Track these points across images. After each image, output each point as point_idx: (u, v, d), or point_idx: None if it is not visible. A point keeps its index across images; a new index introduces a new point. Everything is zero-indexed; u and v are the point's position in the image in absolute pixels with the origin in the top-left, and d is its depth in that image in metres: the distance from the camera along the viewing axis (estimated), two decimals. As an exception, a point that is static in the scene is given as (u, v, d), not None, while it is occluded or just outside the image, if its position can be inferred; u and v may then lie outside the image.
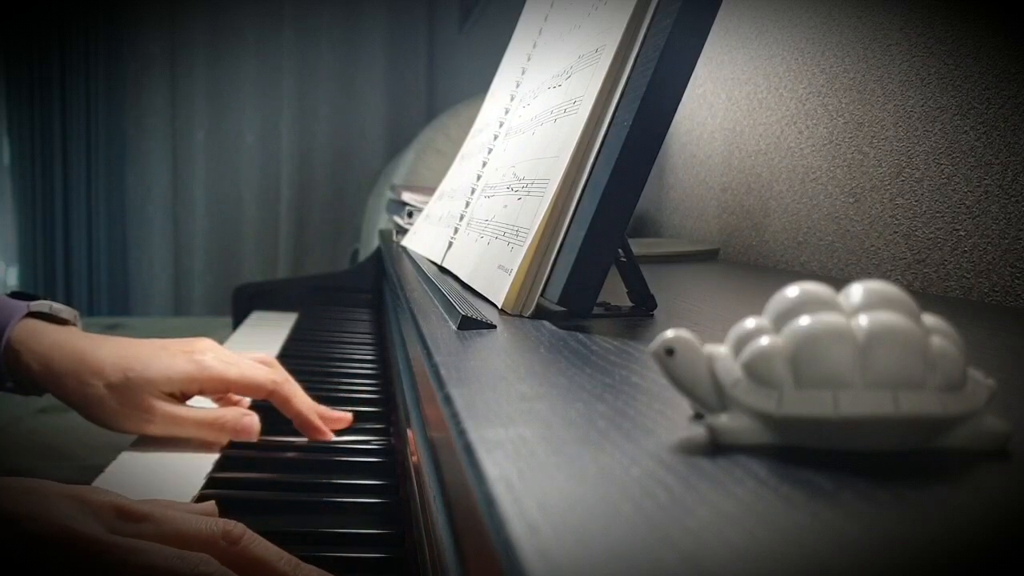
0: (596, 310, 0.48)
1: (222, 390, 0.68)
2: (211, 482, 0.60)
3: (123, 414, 0.64)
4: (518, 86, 0.78)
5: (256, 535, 0.44)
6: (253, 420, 0.66)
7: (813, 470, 0.22)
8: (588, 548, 0.17)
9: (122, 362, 0.64)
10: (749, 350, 0.24)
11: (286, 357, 0.99)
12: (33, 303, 0.67)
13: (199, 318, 3.08)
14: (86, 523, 0.39)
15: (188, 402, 0.68)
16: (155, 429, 0.64)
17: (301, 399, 0.69)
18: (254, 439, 0.65)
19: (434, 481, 0.35)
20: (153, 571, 0.39)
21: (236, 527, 0.44)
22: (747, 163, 1.12)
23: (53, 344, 0.65)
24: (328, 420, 0.70)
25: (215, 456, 0.64)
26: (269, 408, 0.69)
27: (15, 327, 0.65)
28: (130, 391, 0.63)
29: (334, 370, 0.94)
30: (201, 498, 0.57)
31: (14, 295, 0.69)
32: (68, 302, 3.19)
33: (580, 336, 0.42)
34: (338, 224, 3.37)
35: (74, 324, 0.70)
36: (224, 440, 0.66)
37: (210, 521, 0.44)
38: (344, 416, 0.72)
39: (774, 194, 1.04)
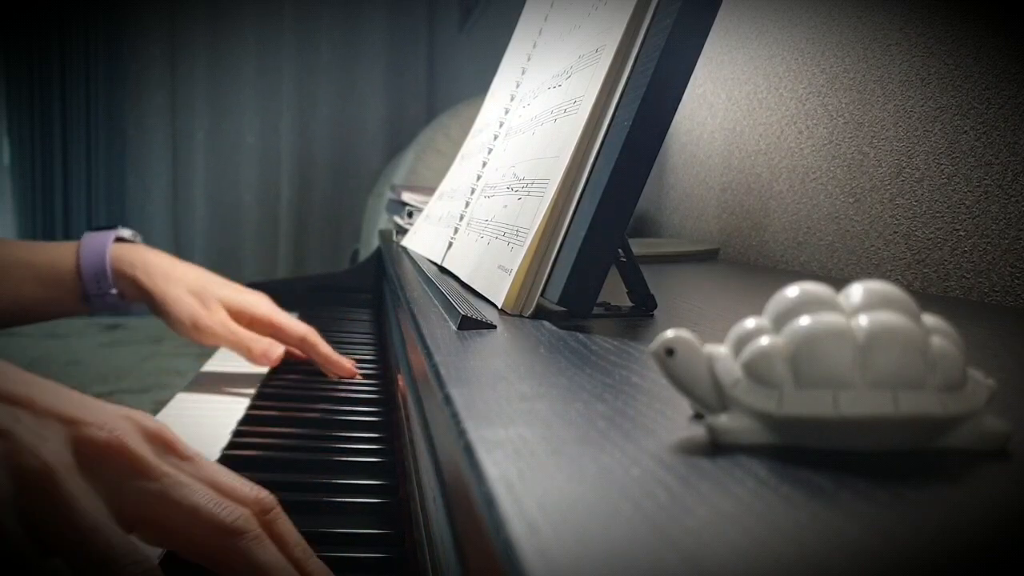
0: (596, 310, 0.48)
1: (267, 329, 0.84)
2: (211, 482, 0.60)
3: (192, 313, 0.80)
4: (518, 86, 0.78)
5: (283, 512, 0.44)
6: (279, 351, 0.83)
7: (813, 470, 0.22)
8: (588, 548, 0.17)
9: (202, 279, 0.84)
10: (749, 350, 0.24)
11: (286, 357, 0.98)
12: (117, 230, 0.86)
13: (199, 318, 3.08)
14: (140, 444, 0.39)
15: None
16: (210, 333, 0.81)
17: (324, 347, 0.86)
18: (273, 363, 0.82)
19: (434, 481, 0.35)
20: (195, 511, 0.38)
21: (269, 497, 0.43)
22: (747, 163, 1.12)
23: (146, 256, 0.84)
24: (344, 367, 0.86)
25: (216, 454, 0.64)
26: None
27: (112, 245, 0.83)
28: (204, 296, 0.82)
29: (334, 370, 0.94)
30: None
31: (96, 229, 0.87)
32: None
33: (580, 336, 0.42)
34: (338, 224, 3.37)
35: (135, 241, 0.88)
36: (252, 358, 0.82)
37: (248, 484, 0.43)
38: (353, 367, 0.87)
39: (774, 194, 1.04)
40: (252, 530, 0.40)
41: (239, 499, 0.42)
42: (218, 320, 0.81)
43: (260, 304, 0.86)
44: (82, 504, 0.35)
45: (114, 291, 0.84)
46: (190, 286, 0.82)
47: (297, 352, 0.87)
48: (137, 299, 0.84)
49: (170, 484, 0.38)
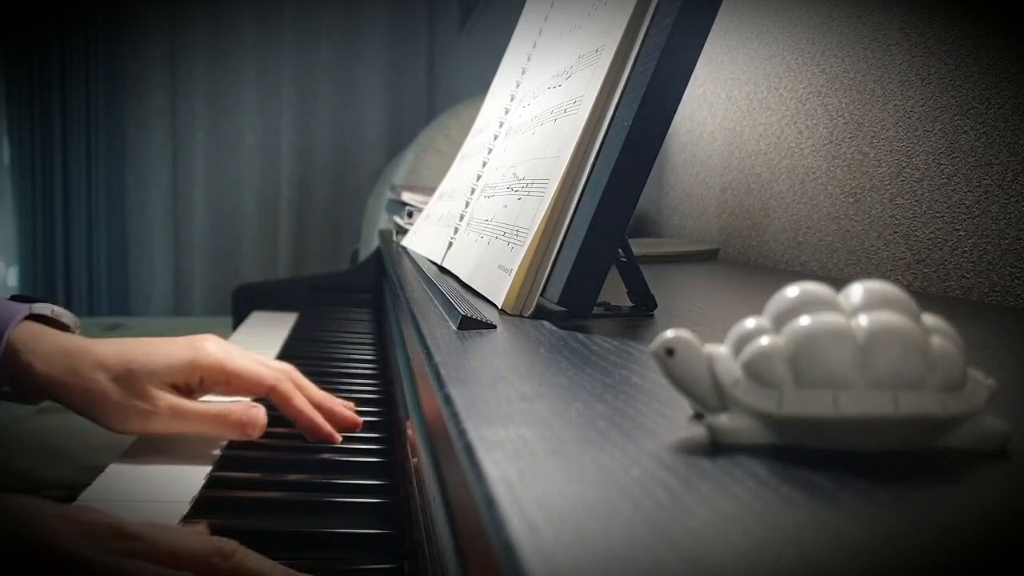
0: (596, 310, 0.48)
1: (222, 381, 0.66)
2: (211, 482, 0.60)
3: (127, 409, 0.62)
4: (518, 86, 0.78)
5: (250, 551, 0.44)
6: (260, 412, 0.64)
7: (813, 470, 0.22)
8: (588, 548, 0.17)
9: (124, 355, 0.63)
10: (749, 350, 0.24)
11: (286, 357, 0.98)
12: (35, 305, 0.66)
13: (199, 318, 3.08)
14: (77, 543, 0.39)
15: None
16: (159, 424, 0.63)
17: (300, 400, 0.66)
18: (259, 433, 0.64)
19: (434, 481, 0.35)
20: None
21: (228, 544, 0.43)
22: (747, 163, 1.12)
23: (54, 345, 0.63)
24: (335, 418, 0.68)
25: (214, 457, 0.64)
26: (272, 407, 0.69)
27: (15, 329, 0.63)
28: (133, 382, 0.62)
29: (334, 370, 0.94)
30: (201, 498, 0.57)
31: (15, 298, 0.67)
32: (68, 302, 3.20)
33: (580, 336, 0.42)
34: (338, 224, 3.37)
35: (74, 331, 0.69)
36: (230, 434, 0.64)
37: (203, 538, 0.43)
38: (352, 418, 0.70)
39: (774, 194, 1.04)
40: None
41: (197, 558, 0.42)
42: (160, 405, 0.62)
43: (206, 352, 0.65)
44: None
45: (6, 388, 0.64)
46: (112, 371, 0.62)
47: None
48: (43, 396, 0.65)
49: (115, 572, 0.38)
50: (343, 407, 0.70)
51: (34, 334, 0.64)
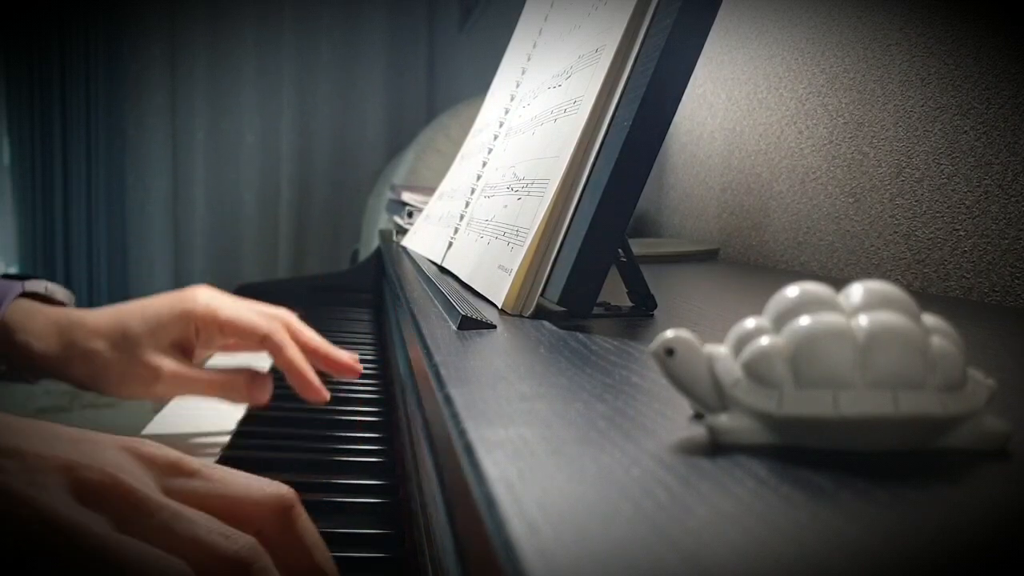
0: (596, 310, 0.48)
1: (216, 331, 0.64)
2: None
3: (129, 375, 0.61)
4: (518, 86, 0.78)
5: (303, 512, 0.42)
6: (266, 381, 0.63)
7: (813, 470, 0.22)
8: (588, 548, 0.17)
9: (118, 321, 0.62)
10: (749, 350, 0.24)
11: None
12: (28, 283, 0.65)
13: (199, 318, 3.08)
14: (137, 477, 0.38)
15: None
16: (163, 389, 0.61)
17: (293, 351, 0.64)
18: (266, 398, 0.63)
19: (434, 481, 0.35)
20: (196, 542, 0.37)
21: (289, 495, 0.41)
22: (747, 163, 1.12)
23: (49, 321, 0.62)
24: (333, 363, 0.67)
25: (214, 457, 0.64)
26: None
27: (9, 307, 0.62)
28: (131, 346, 0.61)
29: (334, 370, 0.93)
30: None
31: (7, 276, 0.66)
32: (68, 302, 3.20)
33: (580, 336, 0.42)
34: (338, 224, 3.37)
35: (68, 306, 0.67)
36: (237, 399, 0.63)
37: (264, 486, 0.41)
38: (352, 364, 0.68)
39: (774, 194, 1.04)
40: (257, 561, 0.38)
41: (254, 503, 0.40)
42: (163, 373, 0.61)
43: (196, 302, 0.64)
44: (94, 529, 0.35)
45: (2, 367, 0.63)
46: (109, 337, 0.61)
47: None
48: (42, 374, 0.63)
49: (169, 517, 0.37)
50: (341, 352, 0.68)
51: (28, 312, 0.62)
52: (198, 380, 0.62)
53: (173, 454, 0.40)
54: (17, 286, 0.64)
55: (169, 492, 0.39)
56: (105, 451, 0.38)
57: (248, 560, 0.38)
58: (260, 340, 0.64)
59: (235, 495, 0.40)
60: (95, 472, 0.36)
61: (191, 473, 0.40)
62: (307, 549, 0.41)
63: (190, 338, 0.64)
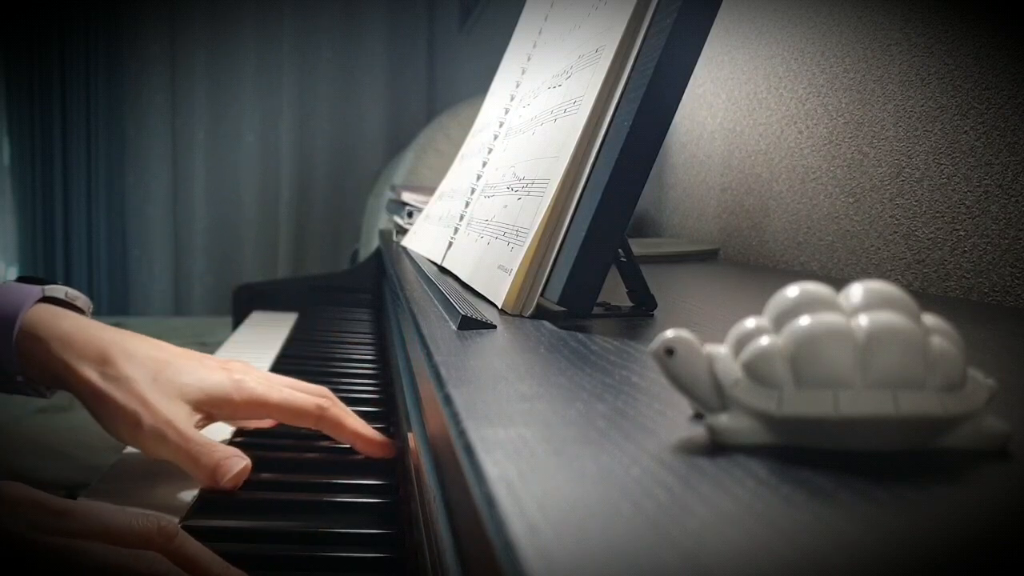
0: (596, 310, 0.48)
1: (260, 415, 0.61)
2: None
3: (126, 412, 0.55)
4: (518, 86, 0.78)
5: (191, 538, 0.42)
6: (243, 465, 0.55)
7: (813, 470, 0.22)
8: (588, 548, 0.17)
9: (154, 362, 0.57)
10: (749, 350, 0.24)
11: (286, 357, 0.99)
12: (48, 287, 0.61)
13: (199, 318, 3.08)
14: (15, 524, 0.36)
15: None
16: (145, 440, 0.55)
17: (354, 420, 0.62)
18: (234, 486, 0.55)
19: (434, 481, 0.35)
20: (103, 574, 0.36)
21: (171, 523, 0.41)
22: (747, 163, 1.12)
23: (74, 328, 0.57)
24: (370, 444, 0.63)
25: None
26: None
27: (29, 311, 0.57)
28: (150, 391, 0.55)
29: (334, 370, 0.94)
30: (201, 498, 0.57)
31: (23, 279, 0.62)
32: (68, 302, 3.20)
33: (580, 336, 0.42)
34: (338, 224, 3.37)
35: (86, 314, 0.63)
36: (200, 477, 0.55)
37: (141, 516, 0.41)
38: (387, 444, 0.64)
39: (774, 194, 1.04)
40: (169, 572, 0.38)
41: (137, 537, 0.40)
42: (164, 417, 0.54)
43: (243, 386, 0.59)
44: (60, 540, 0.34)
45: (20, 378, 0.58)
46: (137, 368, 0.56)
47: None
48: (56, 386, 0.59)
49: (64, 551, 0.36)
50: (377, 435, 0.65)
51: (52, 315, 0.58)
52: (185, 442, 0.55)
53: (39, 496, 0.39)
54: (36, 290, 0.60)
55: (45, 533, 0.37)
56: None
57: (160, 573, 0.37)
58: (315, 420, 0.61)
59: (114, 528, 0.39)
60: None
61: (60, 513, 0.39)
62: (203, 569, 0.41)
63: (216, 416, 0.60)
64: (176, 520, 0.42)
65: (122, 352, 0.56)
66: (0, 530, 0.35)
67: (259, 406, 0.60)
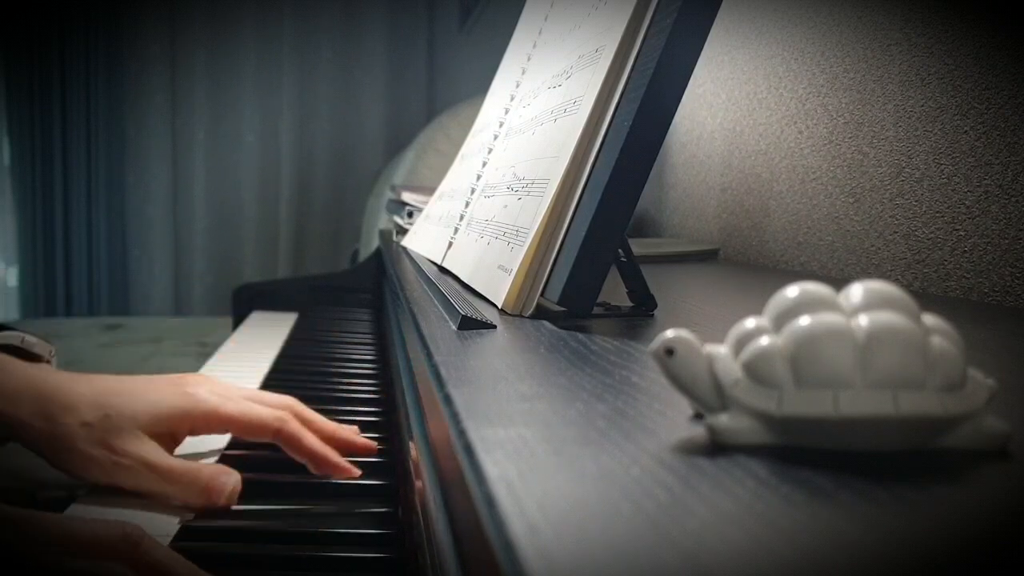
0: (596, 310, 0.48)
1: (218, 429, 0.59)
2: (211, 482, 0.60)
3: (91, 459, 0.54)
4: (518, 86, 0.78)
5: (158, 542, 0.42)
6: (234, 481, 0.55)
7: (813, 470, 0.22)
8: (588, 548, 0.17)
9: (101, 398, 0.55)
10: (749, 350, 0.24)
11: (286, 357, 0.99)
12: (2, 334, 0.59)
13: (199, 318, 3.08)
14: None
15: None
16: (126, 478, 0.54)
17: (310, 440, 0.59)
18: (226, 502, 0.54)
19: (434, 481, 0.35)
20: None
21: (136, 528, 0.41)
22: (747, 163, 1.12)
23: (22, 380, 0.55)
24: (350, 448, 0.62)
25: (216, 454, 0.64)
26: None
27: None
28: (108, 431, 0.54)
29: (334, 370, 0.94)
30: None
31: None
32: (68, 302, 3.20)
33: (580, 336, 0.42)
34: (338, 224, 3.37)
35: (48, 361, 0.62)
36: (194, 500, 0.54)
37: (104, 524, 0.41)
38: (366, 443, 0.63)
39: (774, 194, 1.04)
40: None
41: (101, 544, 0.40)
42: (136, 457, 0.53)
43: (198, 399, 0.57)
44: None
45: None
46: (83, 417, 0.54)
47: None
48: (8, 438, 0.57)
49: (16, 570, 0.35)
50: (353, 434, 0.63)
51: (4, 370, 0.56)
52: (165, 474, 0.54)
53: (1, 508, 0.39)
54: None
55: (4, 544, 0.37)
56: None
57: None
58: (273, 434, 0.58)
59: (79, 535, 0.39)
60: None
61: (20, 522, 0.39)
62: (171, 570, 0.41)
63: (179, 434, 0.59)
64: (142, 529, 0.41)
65: (68, 396, 0.55)
66: None
67: (215, 419, 0.58)
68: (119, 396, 0.55)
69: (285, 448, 0.59)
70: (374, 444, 0.64)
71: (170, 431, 0.57)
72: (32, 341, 0.61)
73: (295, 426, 0.59)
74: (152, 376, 0.60)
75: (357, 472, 0.59)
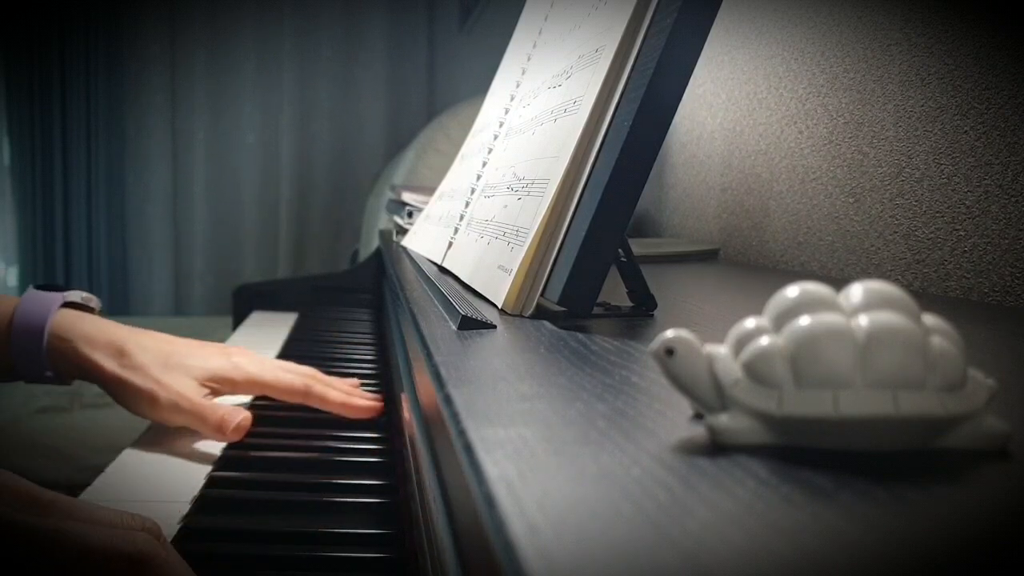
0: (596, 310, 0.48)
1: (256, 392, 0.72)
2: (211, 481, 0.60)
3: (147, 391, 0.65)
4: (518, 86, 0.78)
5: (167, 542, 0.43)
6: (241, 416, 0.66)
7: (813, 470, 0.22)
8: (588, 548, 0.17)
9: (163, 352, 0.68)
10: (749, 350, 0.24)
11: (286, 357, 0.98)
12: (67, 293, 0.71)
13: (199, 318, 3.08)
14: (4, 508, 0.37)
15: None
16: (166, 410, 0.65)
17: (336, 394, 0.72)
18: (235, 436, 0.66)
19: (434, 481, 0.35)
20: (90, 553, 0.36)
21: (155, 524, 0.42)
22: (747, 163, 1.12)
23: (93, 328, 0.68)
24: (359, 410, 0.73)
25: (214, 457, 0.64)
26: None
27: (55, 317, 0.67)
28: (164, 372, 0.66)
29: (334, 370, 0.93)
30: (201, 497, 0.57)
31: (43, 287, 0.71)
32: (68, 302, 3.19)
33: (580, 336, 0.42)
34: (338, 224, 3.37)
35: (100, 312, 0.73)
36: (208, 433, 0.66)
37: (126, 515, 0.42)
38: (376, 405, 0.75)
39: (774, 194, 1.04)
40: (158, 553, 0.38)
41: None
42: (176, 391, 0.66)
43: (240, 367, 0.71)
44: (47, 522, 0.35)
45: (49, 373, 0.67)
46: (150, 357, 0.67)
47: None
48: (80, 377, 0.68)
49: (51, 535, 0.36)
50: (364, 395, 0.76)
51: (76, 319, 0.68)
52: (196, 410, 0.66)
53: (30, 486, 0.40)
54: (58, 297, 0.69)
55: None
56: None
57: (148, 552, 0.38)
58: (303, 395, 0.71)
59: (100, 521, 0.40)
60: None
61: (47, 503, 0.40)
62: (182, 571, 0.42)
63: (220, 392, 0.70)
64: (176, 520, 0.42)
65: (136, 345, 0.67)
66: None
67: (254, 384, 0.71)
68: (176, 353, 0.68)
69: (315, 404, 0.71)
70: (380, 404, 0.75)
71: (213, 388, 0.69)
72: (88, 297, 0.73)
73: (320, 387, 0.72)
74: (203, 341, 0.73)
75: (379, 405, 0.73)
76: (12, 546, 0.36)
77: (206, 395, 0.68)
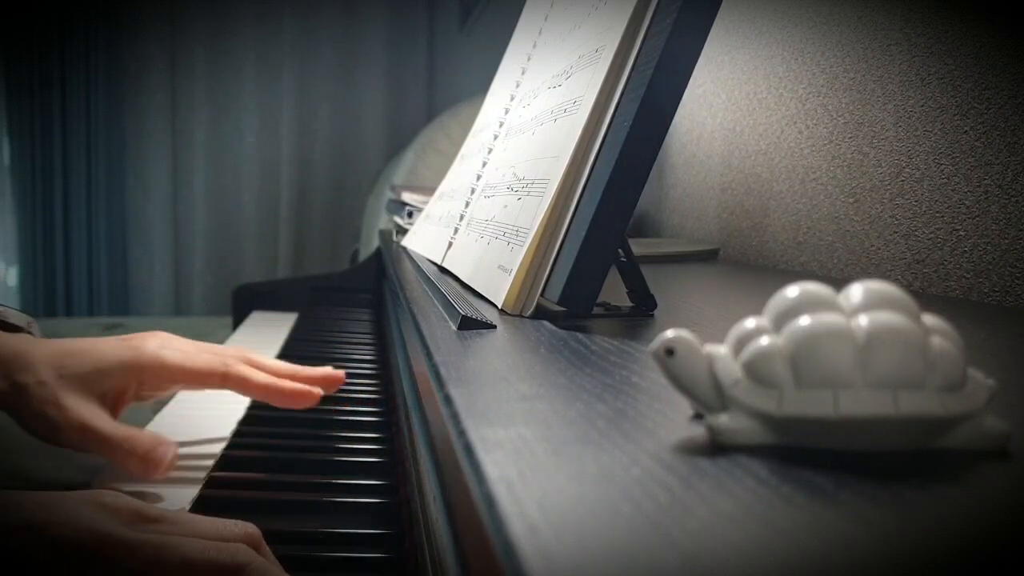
0: (596, 310, 0.48)
1: (167, 379, 0.60)
2: (211, 481, 0.60)
3: (46, 416, 0.55)
4: (518, 86, 0.78)
5: (268, 550, 0.43)
6: (168, 452, 0.56)
7: (813, 470, 0.22)
8: (588, 548, 0.17)
9: (55, 359, 0.57)
10: (749, 350, 0.24)
11: (286, 357, 0.98)
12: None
13: (199, 318, 3.08)
14: (110, 524, 0.39)
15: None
16: (69, 439, 0.56)
17: (259, 375, 0.61)
18: (162, 473, 0.55)
19: (434, 481, 0.35)
20: (189, 564, 0.37)
21: (255, 530, 0.43)
22: (747, 163, 1.12)
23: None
24: (310, 381, 0.63)
25: (216, 453, 0.64)
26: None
27: None
28: (60, 389, 0.56)
29: (334, 370, 0.94)
30: (201, 498, 0.57)
31: None
32: (68, 302, 3.19)
33: (580, 336, 0.42)
34: (338, 224, 3.37)
35: (28, 331, 0.63)
36: (132, 469, 0.55)
37: (229, 523, 0.43)
38: (331, 374, 0.65)
39: (774, 194, 1.04)
40: (253, 560, 0.39)
41: (226, 539, 0.41)
42: (78, 421, 0.55)
43: (140, 352, 0.59)
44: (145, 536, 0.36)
45: None
46: (39, 376, 0.56)
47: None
48: None
49: (157, 547, 0.38)
50: (316, 370, 0.65)
51: None
52: (100, 439, 0.55)
53: (135, 503, 0.41)
54: None
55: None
56: (76, 507, 0.39)
57: (244, 563, 0.38)
58: (221, 379, 0.60)
59: (203, 533, 0.41)
60: (70, 529, 0.37)
61: (155, 519, 0.41)
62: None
63: (127, 389, 0.59)
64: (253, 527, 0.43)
65: (27, 357, 0.56)
66: (107, 531, 0.38)
67: (161, 370, 0.59)
68: (72, 356, 0.57)
69: (237, 390, 0.60)
70: (340, 373, 0.65)
71: (120, 387, 0.58)
72: (6, 312, 0.62)
73: (241, 368, 0.60)
74: (103, 338, 0.61)
75: (317, 393, 0.61)
76: (115, 559, 0.37)
77: (117, 406, 0.59)
